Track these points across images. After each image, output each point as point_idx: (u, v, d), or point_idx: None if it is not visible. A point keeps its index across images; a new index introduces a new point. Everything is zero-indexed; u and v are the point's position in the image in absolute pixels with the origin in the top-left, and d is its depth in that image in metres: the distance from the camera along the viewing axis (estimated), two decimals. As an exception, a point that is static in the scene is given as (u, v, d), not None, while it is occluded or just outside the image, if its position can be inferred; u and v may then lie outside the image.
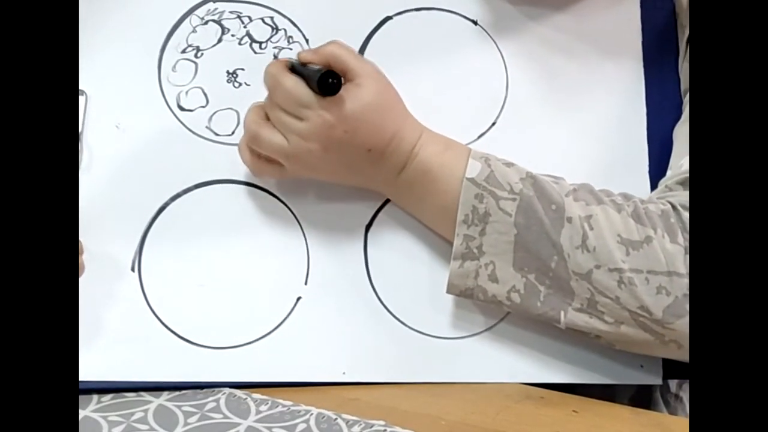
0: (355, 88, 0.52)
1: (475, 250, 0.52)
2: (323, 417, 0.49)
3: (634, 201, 0.53)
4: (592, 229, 0.51)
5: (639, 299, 0.51)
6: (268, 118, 0.53)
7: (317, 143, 0.52)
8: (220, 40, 0.60)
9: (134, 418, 0.49)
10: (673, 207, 0.53)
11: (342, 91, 0.50)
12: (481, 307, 0.56)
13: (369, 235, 0.58)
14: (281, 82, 0.52)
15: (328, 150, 0.52)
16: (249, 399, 0.51)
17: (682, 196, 0.54)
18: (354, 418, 0.49)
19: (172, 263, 0.55)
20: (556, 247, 0.51)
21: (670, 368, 0.57)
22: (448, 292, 0.54)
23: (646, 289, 0.51)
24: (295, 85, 0.52)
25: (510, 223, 0.52)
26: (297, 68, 0.53)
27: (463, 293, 0.54)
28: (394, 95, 0.54)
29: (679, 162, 0.57)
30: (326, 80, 0.50)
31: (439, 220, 0.55)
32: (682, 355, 0.52)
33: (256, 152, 0.54)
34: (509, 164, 0.54)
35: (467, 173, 0.53)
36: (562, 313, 0.52)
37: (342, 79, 0.51)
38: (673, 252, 0.51)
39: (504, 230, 0.52)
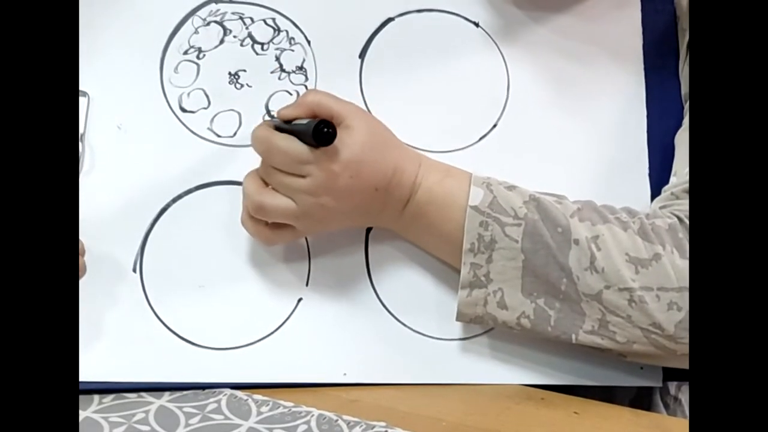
0: (346, 131, 0.51)
1: (483, 278, 0.52)
2: (324, 418, 0.49)
3: (639, 217, 0.53)
4: (599, 249, 0.51)
5: (651, 316, 0.51)
6: (266, 184, 0.52)
7: (327, 196, 0.51)
8: (222, 42, 0.60)
9: (135, 419, 0.49)
10: (680, 220, 0.53)
11: (336, 138, 0.49)
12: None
13: (370, 237, 0.58)
14: (274, 143, 0.51)
15: (339, 200, 0.51)
16: (250, 400, 0.51)
17: (688, 205, 0.54)
18: (355, 419, 0.49)
19: (174, 264, 0.55)
20: (565, 269, 0.51)
21: (670, 371, 0.57)
22: (457, 320, 0.54)
23: (657, 306, 0.51)
24: (289, 142, 0.50)
25: (517, 249, 0.52)
26: (283, 128, 0.52)
27: (473, 321, 0.54)
28: (384, 129, 0.54)
29: (684, 169, 0.57)
30: (321, 130, 0.49)
31: (445, 250, 0.55)
32: None
33: (261, 222, 0.53)
34: (511, 187, 0.53)
35: (470, 201, 0.52)
36: (573, 336, 0.52)
37: (335, 126, 0.49)
38: (683, 268, 0.51)
39: (511, 256, 0.52)
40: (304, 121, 0.51)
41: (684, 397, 0.65)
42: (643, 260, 0.51)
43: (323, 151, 0.50)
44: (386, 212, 0.54)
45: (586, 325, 0.52)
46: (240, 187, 0.57)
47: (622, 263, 0.51)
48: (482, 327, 0.56)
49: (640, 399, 0.60)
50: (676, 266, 0.51)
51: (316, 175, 0.50)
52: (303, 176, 0.51)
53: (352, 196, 0.51)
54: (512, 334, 0.55)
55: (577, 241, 0.51)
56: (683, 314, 0.51)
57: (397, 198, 0.53)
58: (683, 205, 0.55)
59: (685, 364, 0.53)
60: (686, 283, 0.51)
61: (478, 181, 0.53)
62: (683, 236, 0.52)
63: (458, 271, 0.53)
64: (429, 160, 0.55)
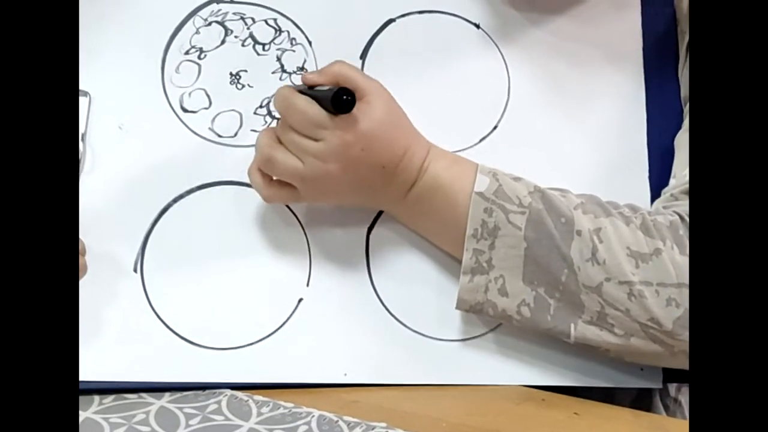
0: (366, 106, 0.51)
1: (485, 264, 0.52)
2: (325, 419, 0.49)
3: (642, 213, 0.54)
4: (601, 242, 0.51)
5: (649, 311, 0.51)
6: (279, 141, 0.53)
7: (335, 163, 0.51)
8: (223, 42, 0.60)
9: (136, 419, 0.49)
10: (681, 218, 0.53)
11: (354, 109, 0.50)
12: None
13: (371, 237, 0.58)
14: (294, 103, 0.52)
15: (345, 170, 0.51)
16: (251, 401, 0.51)
17: (689, 206, 0.54)
18: (355, 420, 0.49)
19: (175, 264, 0.55)
20: (566, 260, 0.52)
21: (670, 372, 0.57)
22: (457, 307, 0.54)
23: (656, 302, 0.51)
24: (309, 105, 0.51)
25: (520, 236, 0.52)
26: (306, 92, 0.53)
27: (473, 308, 0.54)
28: (401, 111, 0.54)
29: (683, 171, 0.57)
30: (341, 97, 0.49)
31: (447, 236, 0.55)
32: None
33: (267, 177, 0.54)
34: (517, 179, 0.54)
35: (476, 188, 0.52)
36: (572, 326, 0.52)
37: (355, 95, 0.50)
38: (682, 264, 0.51)
39: (514, 244, 0.52)
40: (326, 88, 0.51)
41: (684, 398, 0.65)
42: (644, 255, 0.51)
43: (340, 119, 0.50)
44: (390, 193, 0.54)
45: (585, 315, 0.52)
46: (242, 188, 0.57)
47: (623, 257, 0.51)
48: (481, 318, 0.56)
49: (640, 400, 0.60)
50: (676, 262, 0.51)
51: (329, 140, 0.51)
52: (316, 140, 0.51)
53: (358, 168, 0.52)
54: (512, 331, 0.55)
55: (579, 233, 0.52)
56: (681, 311, 0.51)
57: (403, 180, 0.53)
58: (683, 206, 0.55)
59: (683, 364, 0.53)
60: (685, 279, 0.51)
61: (485, 170, 0.54)
62: (684, 233, 0.52)
63: (460, 264, 0.53)
64: (437, 148, 0.55)
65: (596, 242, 0.51)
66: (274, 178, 0.54)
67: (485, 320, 0.56)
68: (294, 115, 0.52)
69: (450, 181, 0.53)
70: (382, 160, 0.52)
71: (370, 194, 0.54)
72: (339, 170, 0.51)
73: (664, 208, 0.56)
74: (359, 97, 0.51)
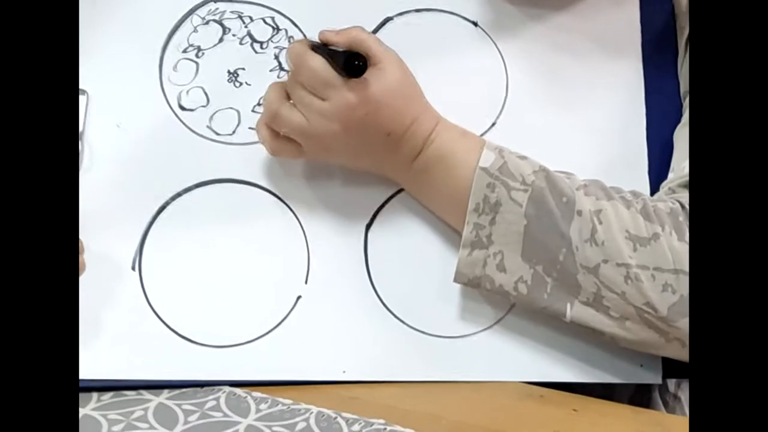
0: (378, 72, 0.52)
1: (485, 239, 0.53)
2: (323, 416, 0.49)
3: (643, 198, 0.54)
4: (601, 223, 0.52)
5: (645, 296, 0.51)
6: (288, 97, 0.53)
7: (338, 123, 0.52)
8: (221, 40, 0.60)
9: (134, 416, 0.49)
10: (682, 206, 0.53)
11: (366, 74, 0.51)
12: (482, 305, 0.56)
13: (369, 234, 0.58)
14: (306, 60, 0.52)
15: (348, 131, 0.52)
16: (249, 397, 0.51)
17: (688, 198, 0.54)
18: (354, 416, 0.49)
19: (173, 262, 0.55)
20: (565, 239, 0.52)
21: (669, 368, 0.57)
22: (455, 280, 0.54)
23: (652, 286, 0.51)
24: (321, 64, 0.51)
25: (520, 213, 0.52)
26: (319, 49, 0.53)
27: (471, 282, 0.54)
28: (414, 83, 0.55)
29: (681, 165, 0.57)
30: (352, 61, 0.50)
31: (449, 208, 0.55)
32: (686, 354, 0.52)
33: (274, 132, 0.54)
34: (523, 157, 0.54)
35: (481, 162, 0.53)
36: (568, 305, 0.52)
37: (367, 61, 0.51)
38: (680, 250, 0.51)
39: (514, 220, 0.52)
40: (341, 49, 0.52)
41: (683, 395, 0.65)
42: (642, 238, 0.51)
43: (350, 81, 0.51)
44: (395, 161, 0.54)
45: (581, 296, 0.52)
46: (240, 185, 0.57)
47: (621, 239, 0.51)
48: (480, 315, 0.56)
49: (639, 397, 0.60)
50: (674, 248, 0.51)
51: (335, 100, 0.51)
52: (323, 99, 0.52)
53: (362, 132, 0.52)
54: (511, 328, 0.55)
55: (580, 213, 0.52)
56: (677, 297, 0.51)
57: (409, 149, 0.54)
58: (683, 198, 0.55)
59: (677, 352, 0.53)
60: (682, 266, 0.51)
61: (492, 146, 0.54)
62: (683, 220, 0.52)
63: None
64: (447, 121, 0.55)
65: (596, 223, 0.52)
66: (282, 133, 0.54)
67: (484, 317, 0.56)
68: (304, 72, 0.52)
69: (455, 154, 0.54)
70: (388, 127, 0.52)
71: (374, 159, 0.55)
72: (342, 131, 0.52)
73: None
74: (373, 64, 0.52)
